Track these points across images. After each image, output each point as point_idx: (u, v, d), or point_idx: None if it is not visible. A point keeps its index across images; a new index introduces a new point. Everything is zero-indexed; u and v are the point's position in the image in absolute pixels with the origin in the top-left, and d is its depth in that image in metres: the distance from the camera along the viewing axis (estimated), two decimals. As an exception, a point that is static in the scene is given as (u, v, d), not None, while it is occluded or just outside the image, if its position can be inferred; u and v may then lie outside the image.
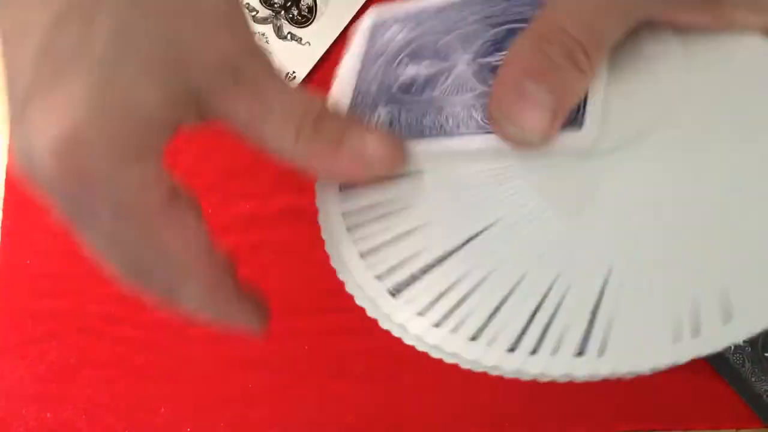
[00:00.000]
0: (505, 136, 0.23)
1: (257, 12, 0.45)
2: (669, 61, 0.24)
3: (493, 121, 0.23)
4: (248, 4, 0.45)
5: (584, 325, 0.22)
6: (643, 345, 0.21)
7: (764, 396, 0.39)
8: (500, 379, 0.25)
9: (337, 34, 0.44)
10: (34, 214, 0.43)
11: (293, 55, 0.44)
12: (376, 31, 0.30)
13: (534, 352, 0.22)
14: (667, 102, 0.23)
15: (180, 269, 0.21)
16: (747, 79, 0.23)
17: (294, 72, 0.44)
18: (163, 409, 0.41)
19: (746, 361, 0.39)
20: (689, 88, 0.23)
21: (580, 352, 0.22)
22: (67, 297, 0.42)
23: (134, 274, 0.21)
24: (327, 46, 0.44)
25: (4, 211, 0.44)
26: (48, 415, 0.41)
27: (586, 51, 0.22)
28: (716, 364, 0.39)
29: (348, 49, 0.30)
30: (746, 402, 0.39)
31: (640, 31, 0.23)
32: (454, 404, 0.40)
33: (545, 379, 0.22)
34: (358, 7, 0.44)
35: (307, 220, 0.40)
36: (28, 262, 0.43)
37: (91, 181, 0.18)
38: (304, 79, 0.44)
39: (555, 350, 0.22)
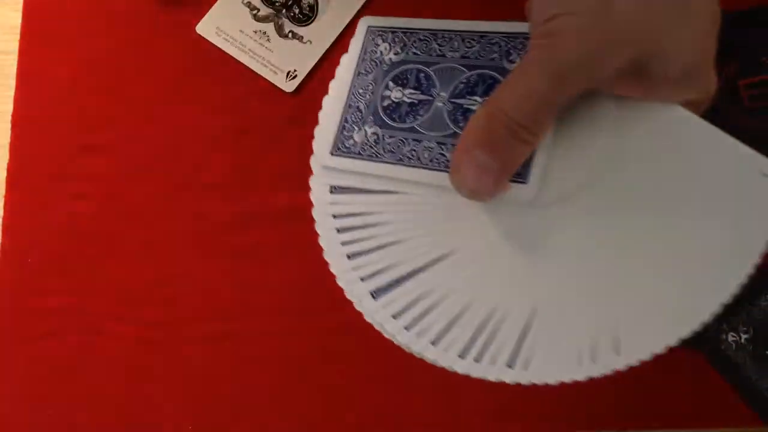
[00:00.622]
0: (460, 193, 0.28)
1: (259, 10, 0.45)
2: (605, 124, 0.29)
3: (452, 181, 0.28)
4: (250, 2, 0.45)
5: (514, 345, 0.28)
6: (555, 364, 0.28)
7: (765, 394, 0.38)
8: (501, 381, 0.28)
9: (338, 33, 0.44)
10: (35, 212, 0.43)
11: (294, 53, 0.44)
12: (368, 43, 0.35)
13: (477, 360, 0.29)
14: (600, 163, 0.28)
15: None
16: (664, 144, 0.28)
17: (295, 70, 0.44)
18: (163, 409, 0.41)
19: (747, 359, 0.39)
20: (618, 150, 0.28)
21: (510, 365, 0.28)
22: (68, 296, 0.42)
23: None
24: (328, 45, 0.44)
25: (5, 210, 0.44)
26: (48, 415, 0.41)
27: (529, 129, 0.26)
28: (717, 363, 0.39)
29: (345, 55, 0.35)
30: (747, 401, 0.39)
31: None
32: (454, 404, 0.40)
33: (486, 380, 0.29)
34: (359, 6, 0.44)
35: (307, 220, 0.40)
36: (29, 260, 0.43)
37: None
38: (305, 77, 0.43)
39: (493, 361, 0.28)
